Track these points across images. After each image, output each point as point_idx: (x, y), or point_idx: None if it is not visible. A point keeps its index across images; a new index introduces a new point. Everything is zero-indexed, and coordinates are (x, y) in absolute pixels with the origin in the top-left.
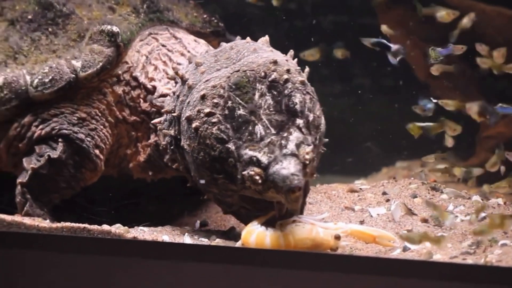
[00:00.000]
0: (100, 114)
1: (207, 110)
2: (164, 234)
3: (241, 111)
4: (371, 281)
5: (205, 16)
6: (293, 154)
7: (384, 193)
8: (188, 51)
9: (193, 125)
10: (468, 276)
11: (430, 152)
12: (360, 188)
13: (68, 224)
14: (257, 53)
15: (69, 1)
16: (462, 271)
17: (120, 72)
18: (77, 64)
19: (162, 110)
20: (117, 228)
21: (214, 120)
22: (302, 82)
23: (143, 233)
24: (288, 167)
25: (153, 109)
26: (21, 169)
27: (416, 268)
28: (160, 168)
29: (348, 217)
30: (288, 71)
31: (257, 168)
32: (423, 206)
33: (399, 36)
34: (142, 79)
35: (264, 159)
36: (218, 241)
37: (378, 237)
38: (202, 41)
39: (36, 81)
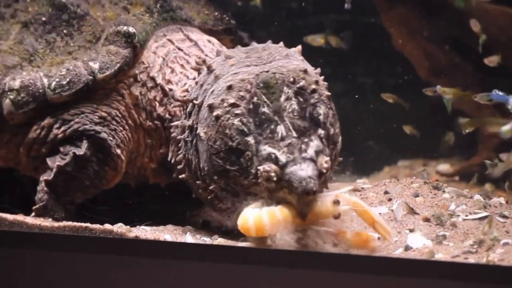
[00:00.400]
0: (120, 116)
1: (231, 100)
2: (166, 233)
3: (265, 109)
4: (372, 281)
5: (216, 13)
6: (312, 159)
7: (386, 192)
8: (206, 55)
9: (215, 113)
10: (470, 275)
11: (432, 151)
12: (362, 187)
13: (70, 223)
14: (288, 59)
15: (83, 2)
16: (464, 271)
17: (137, 72)
18: (95, 65)
19: (185, 98)
20: (119, 227)
21: (238, 111)
22: (328, 97)
23: (145, 232)
24: (306, 170)
25: (167, 115)
26: (42, 171)
27: (418, 267)
28: (170, 172)
29: (350, 216)
30: (316, 82)
31: (274, 165)
32: (425, 205)
33: (402, 35)
34: (159, 80)
35: (282, 157)
36: (220, 240)
37: (377, 222)
38: (215, 40)
39: (53, 83)
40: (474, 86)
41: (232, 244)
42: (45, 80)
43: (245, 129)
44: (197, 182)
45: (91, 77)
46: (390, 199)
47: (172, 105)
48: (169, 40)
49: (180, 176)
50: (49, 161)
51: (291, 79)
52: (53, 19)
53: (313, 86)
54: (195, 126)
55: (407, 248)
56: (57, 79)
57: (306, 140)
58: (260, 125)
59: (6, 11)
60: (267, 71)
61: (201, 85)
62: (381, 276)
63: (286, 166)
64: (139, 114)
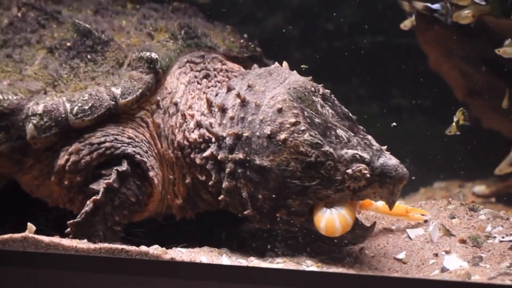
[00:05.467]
0: (147, 141)
1: (292, 120)
2: (202, 255)
3: (317, 120)
4: None
5: (242, 41)
6: (382, 150)
7: (422, 214)
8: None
9: (280, 137)
10: None
11: (468, 172)
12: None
13: (106, 245)
14: (292, 75)
15: (108, 28)
16: None
17: (159, 98)
18: (117, 91)
19: (229, 132)
20: (155, 249)
21: (303, 128)
22: None
23: (180, 254)
24: (392, 159)
25: (185, 142)
26: (78, 202)
27: None
28: (195, 205)
29: (386, 238)
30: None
31: (362, 164)
32: (461, 226)
33: (438, 56)
34: (181, 105)
35: (365, 155)
36: (255, 262)
37: (410, 210)
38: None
39: (76, 108)
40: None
41: (267, 266)
42: (68, 105)
43: (319, 141)
44: (245, 212)
45: (113, 102)
46: (426, 221)
47: (192, 133)
48: (191, 67)
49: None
50: (94, 186)
51: (312, 89)
52: (78, 45)
53: (328, 91)
54: (249, 158)
55: (443, 269)
56: (79, 104)
57: (361, 135)
58: (324, 134)
59: (32, 37)
60: (289, 88)
61: (242, 118)
62: None
63: (372, 162)
64: (162, 144)
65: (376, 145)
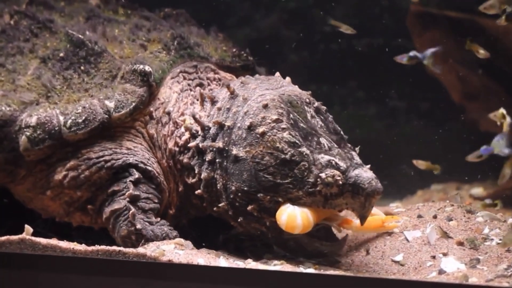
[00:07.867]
0: (147, 149)
1: (274, 116)
2: (199, 257)
3: (302, 124)
4: None
5: (234, 50)
6: (362, 165)
7: (419, 216)
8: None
9: (259, 130)
10: None
11: (465, 175)
12: (396, 211)
13: (103, 247)
14: (291, 86)
15: (100, 37)
16: None
17: (152, 109)
18: (110, 104)
19: (213, 121)
20: (153, 251)
21: (284, 126)
22: None
23: (178, 256)
24: (368, 172)
25: (175, 148)
26: (77, 217)
27: None
28: (187, 212)
29: (383, 240)
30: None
31: (336, 170)
32: (458, 229)
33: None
34: (173, 113)
35: (342, 163)
36: (253, 264)
37: (385, 219)
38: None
39: (69, 121)
40: (508, 109)
41: (265, 268)
42: (61, 118)
43: (297, 141)
44: (220, 204)
45: (106, 116)
46: (423, 223)
47: (183, 136)
48: (184, 76)
49: (197, 192)
50: (114, 207)
51: (307, 100)
52: (71, 56)
53: (325, 107)
54: (227, 148)
55: (440, 272)
56: (73, 117)
57: (346, 150)
58: (306, 137)
59: (25, 46)
60: (283, 94)
61: (228, 109)
62: None
63: (347, 171)
64: (156, 154)
65: (357, 159)
